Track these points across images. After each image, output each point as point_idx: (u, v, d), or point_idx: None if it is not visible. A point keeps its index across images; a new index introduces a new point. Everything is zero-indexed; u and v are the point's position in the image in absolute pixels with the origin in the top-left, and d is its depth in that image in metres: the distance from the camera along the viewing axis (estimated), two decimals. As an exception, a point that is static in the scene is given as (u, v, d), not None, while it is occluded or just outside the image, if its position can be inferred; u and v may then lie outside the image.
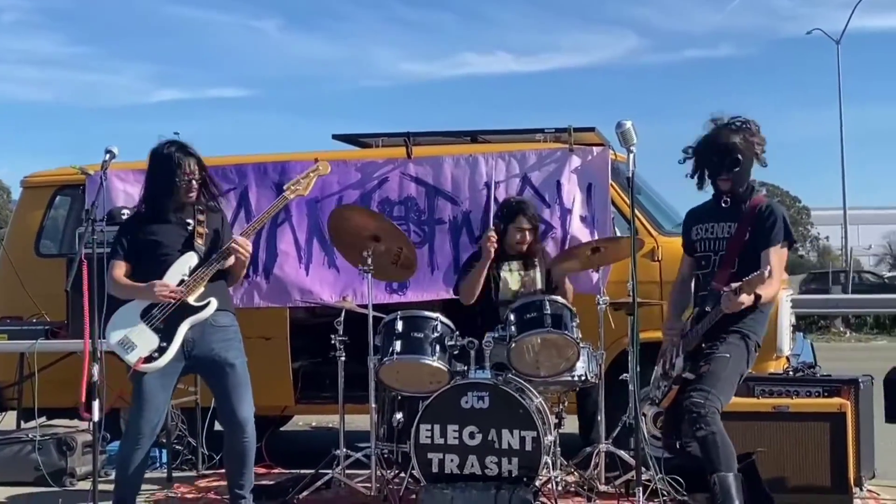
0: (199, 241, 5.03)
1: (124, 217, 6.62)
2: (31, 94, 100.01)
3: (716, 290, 4.86)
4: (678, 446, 4.93)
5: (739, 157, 4.90)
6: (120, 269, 5.03)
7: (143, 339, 4.92)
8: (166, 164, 5.02)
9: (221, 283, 5.10)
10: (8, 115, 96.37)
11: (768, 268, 4.61)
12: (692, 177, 5.07)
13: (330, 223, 6.17)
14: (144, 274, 4.98)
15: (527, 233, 5.98)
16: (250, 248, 5.08)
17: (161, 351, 4.91)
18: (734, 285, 4.65)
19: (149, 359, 4.91)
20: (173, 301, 4.90)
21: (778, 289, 4.99)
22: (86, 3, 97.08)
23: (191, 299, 4.95)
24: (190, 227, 5.04)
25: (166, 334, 4.92)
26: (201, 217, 5.08)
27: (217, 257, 5.00)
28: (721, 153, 4.92)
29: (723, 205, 5.00)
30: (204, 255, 5.02)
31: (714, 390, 4.73)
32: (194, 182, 5.04)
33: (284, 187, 5.29)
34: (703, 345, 4.87)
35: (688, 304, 5.20)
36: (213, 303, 4.98)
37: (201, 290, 4.97)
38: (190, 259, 5.00)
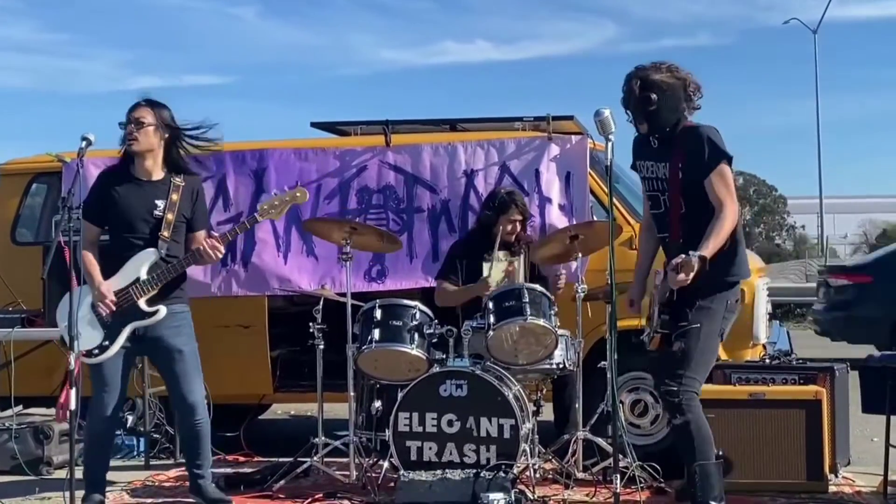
0: (164, 234, 5.00)
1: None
2: (7, 80, 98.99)
3: (673, 240, 4.77)
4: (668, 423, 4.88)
5: (652, 95, 4.74)
6: (90, 236, 5.05)
7: (88, 332, 4.95)
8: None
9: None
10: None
11: (697, 256, 4.38)
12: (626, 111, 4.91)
13: (305, 227, 6.22)
14: (109, 248, 5.03)
15: (517, 224, 6.01)
16: (221, 254, 5.07)
17: (101, 349, 4.99)
18: (675, 261, 4.46)
19: (88, 354, 4.96)
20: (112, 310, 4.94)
21: (734, 212, 4.68)
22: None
23: (141, 301, 4.98)
24: (159, 210, 5.02)
25: (110, 333, 4.99)
26: (175, 196, 5.04)
27: (178, 264, 5.02)
28: (635, 94, 4.78)
29: (654, 145, 4.86)
30: (167, 247, 5.00)
31: (688, 371, 4.66)
32: (136, 132, 5.01)
33: (258, 207, 5.24)
34: (676, 304, 4.74)
35: (656, 247, 5.08)
36: (162, 311, 5.00)
37: (154, 292, 5.00)
38: (149, 257, 5.01)
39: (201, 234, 5.16)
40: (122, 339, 4.99)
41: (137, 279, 4.99)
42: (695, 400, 4.69)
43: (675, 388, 4.65)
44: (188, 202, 5.11)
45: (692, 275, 4.44)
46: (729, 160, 4.75)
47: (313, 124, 7.39)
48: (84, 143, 5.06)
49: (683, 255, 4.44)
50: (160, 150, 5.10)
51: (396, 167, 6.72)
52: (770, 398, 5.44)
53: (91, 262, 5.03)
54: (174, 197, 5.05)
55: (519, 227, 6.05)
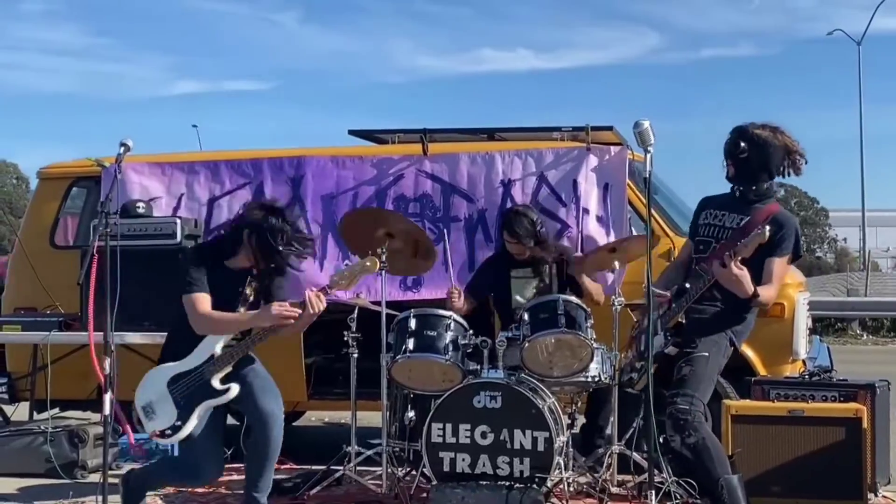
0: (241, 311, 4.87)
1: (139, 210, 6.64)
2: (51, 85, 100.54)
3: (700, 270, 4.91)
4: (662, 440, 4.85)
5: (745, 144, 4.91)
6: (205, 303, 4.81)
7: (164, 410, 4.86)
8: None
9: None
10: (28, 105, 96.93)
11: (766, 228, 4.63)
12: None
13: (341, 230, 6.17)
14: (184, 323, 4.86)
15: (514, 246, 5.98)
16: (322, 307, 4.82)
17: (174, 430, 4.85)
18: (728, 253, 4.68)
19: (163, 434, 4.88)
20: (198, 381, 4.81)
21: (774, 297, 5.01)
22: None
23: (214, 380, 4.85)
24: (240, 291, 4.89)
25: (184, 412, 4.84)
26: (259, 276, 4.92)
27: (250, 340, 4.87)
28: (733, 136, 4.97)
29: (736, 195, 5.02)
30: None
31: (697, 393, 4.82)
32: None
33: (330, 279, 5.03)
34: (684, 340, 4.92)
35: (675, 283, 5.14)
36: (234, 389, 4.85)
37: (227, 370, 4.87)
38: (223, 336, 4.87)
39: (276, 304, 4.87)
40: (193, 422, 4.83)
41: (212, 356, 4.86)
42: (703, 419, 4.84)
43: (687, 407, 4.78)
44: (265, 282, 4.98)
45: (735, 278, 4.65)
46: (795, 258, 5.03)
47: (351, 132, 7.41)
48: (122, 148, 5.09)
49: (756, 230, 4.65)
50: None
51: (433, 176, 6.71)
52: (809, 415, 5.35)
53: (227, 314, 4.83)
54: (257, 276, 4.94)
55: (519, 249, 5.98)
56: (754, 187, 4.98)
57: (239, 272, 4.92)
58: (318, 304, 4.78)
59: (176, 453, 5.68)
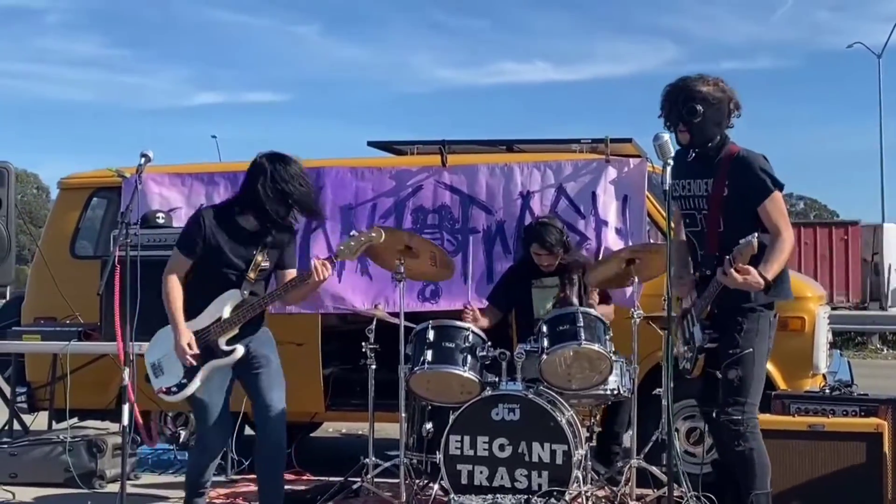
0: (251, 276, 4.98)
1: (159, 221, 6.67)
2: (72, 95, 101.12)
3: (710, 253, 4.76)
4: (714, 415, 4.80)
5: (699, 106, 4.70)
6: (180, 268, 5.01)
7: (171, 369, 5.00)
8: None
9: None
10: (49, 116, 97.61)
11: (755, 236, 4.40)
12: (662, 118, 4.85)
13: None
14: (198, 282, 5.00)
15: (543, 258, 5.97)
16: (329, 274, 4.99)
17: (180, 387, 4.99)
18: (728, 257, 4.48)
19: (168, 391, 5.01)
20: (192, 355, 4.91)
21: (791, 236, 4.71)
22: (126, 6, 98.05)
23: (221, 341, 4.97)
24: (252, 253, 4.99)
25: (189, 371, 4.97)
26: (270, 239, 5.00)
27: (258, 302, 4.99)
28: (682, 100, 4.73)
29: (688, 159, 4.81)
30: (251, 289, 4.99)
31: (749, 399, 4.68)
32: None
33: (336, 248, 5.17)
34: (720, 328, 4.73)
35: (688, 259, 5.00)
36: (239, 350, 4.98)
37: (234, 332, 4.99)
38: (233, 297, 4.99)
39: (292, 270, 5.13)
40: (199, 379, 4.97)
41: (220, 318, 4.97)
42: (757, 426, 4.70)
43: (739, 417, 4.65)
44: (277, 247, 5.07)
45: (748, 268, 4.45)
46: (781, 188, 4.75)
47: (370, 143, 7.41)
48: (143, 159, 5.13)
49: (742, 240, 4.41)
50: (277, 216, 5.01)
51: (452, 187, 6.71)
52: (830, 430, 5.32)
53: (174, 302, 4.96)
54: (268, 240, 5.02)
55: (548, 261, 6.01)
56: (710, 144, 4.78)
57: (252, 234, 5.00)
58: (324, 272, 4.93)
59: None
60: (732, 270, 4.46)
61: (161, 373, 5.03)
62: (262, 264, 5.01)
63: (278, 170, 4.95)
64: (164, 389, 5.01)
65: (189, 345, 4.90)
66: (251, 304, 4.98)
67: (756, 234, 4.44)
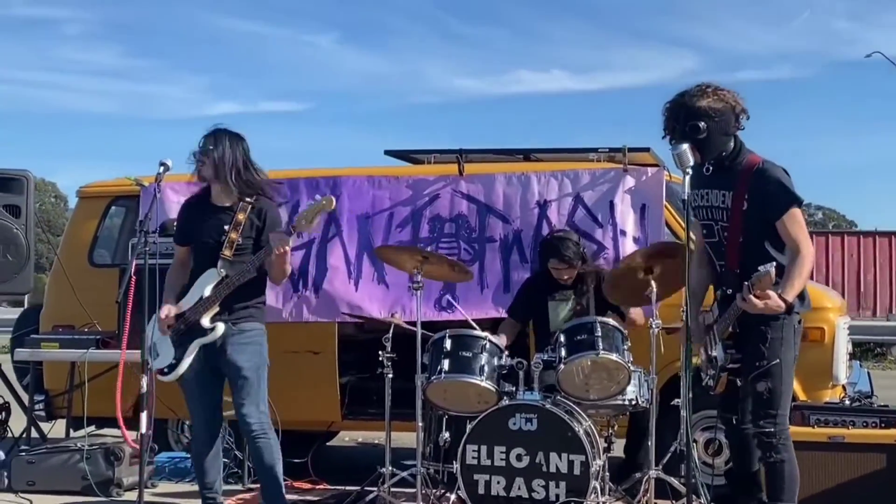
0: (226, 253, 5.10)
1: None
2: (90, 104, 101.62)
3: (729, 270, 4.69)
4: (734, 421, 4.77)
5: (701, 123, 4.59)
6: (176, 256, 5.34)
7: (165, 351, 5.17)
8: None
9: (252, 287, 5.16)
10: (68, 125, 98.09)
11: (771, 266, 4.29)
12: (667, 138, 4.76)
13: (376, 254, 6.21)
14: (193, 266, 5.26)
15: (563, 271, 5.97)
16: (287, 246, 5.06)
17: (171, 368, 5.15)
18: (753, 278, 4.36)
19: (162, 371, 5.17)
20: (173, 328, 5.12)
21: (812, 252, 4.61)
22: (145, 16, 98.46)
23: (204, 320, 5.06)
24: (225, 231, 5.12)
25: (179, 352, 5.12)
26: (241, 216, 5.13)
27: (233, 278, 5.08)
28: (683, 119, 4.62)
29: (706, 172, 4.72)
30: (230, 265, 5.10)
31: (780, 410, 4.61)
32: (199, 163, 5.16)
33: (294, 220, 5.19)
34: (744, 340, 4.66)
35: (709, 282, 4.94)
36: (220, 327, 5.07)
37: (216, 309, 5.08)
38: (212, 276, 5.10)
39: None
40: (189, 358, 5.10)
41: (201, 297, 5.09)
42: (789, 438, 4.64)
43: (772, 429, 4.59)
44: (254, 222, 5.15)
45: (768, 293, 4.36)
46: (800, 203, 4.67)
47: (387, 152, 7.40)
48: (162, 168, 5.17)
49: (759, 269, 4.32)
50: (229, 178, 5.13)
51: (469, 196, 6.70)
52: (850, 441, 5.30)
53: (169, 284, 5.22)
54: (240, 217, 5.13)
55: (568, 274, 6.00)
56: (724, 153, 4.70)
57: (224, 210, 5.17)
58: (281, 245, 4.98)
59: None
60: (751, 297, 4.39)
61: (157, 355, 5.16)
62: (237, 241, 5.11)
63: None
64: (159, 371, 5.16)
65: (167, 315, 5.08)
66: (227, 282, 5.08)
67: (773, 264, 4.34)
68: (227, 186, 5.14)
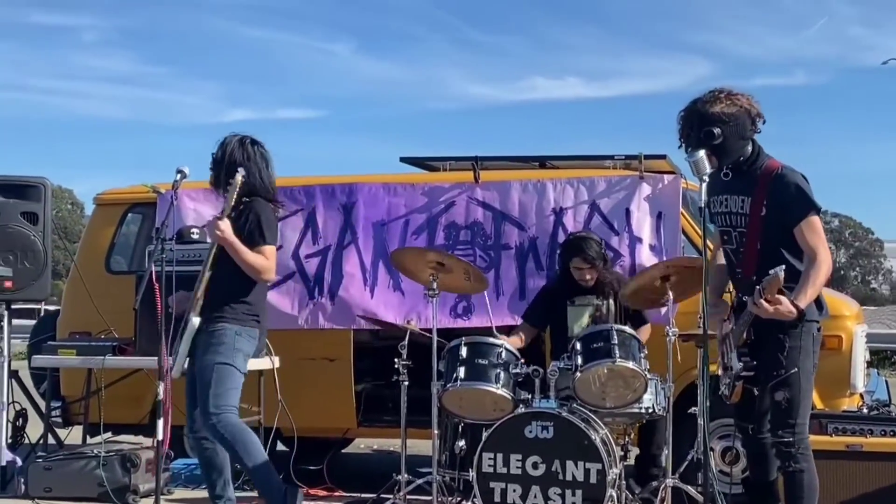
0: (213, 251, 5.24)
1: (194, 236, 6.72)
2: (107, 112, 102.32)
3: (746, 276, 4.65)
4: (750, 431, 4.77)
5: (715, 129, 4.54)
6: None
7: (175, 348, 5.29)
8: None
9: (229, 287, 5.23)
10: (85, 132, 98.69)
11: (781, 269, 4.27)
12: (682, 146, 4.72)
13: (391, 260, 6.20)
14: None
15: (585, 272, 5.94)
16: (224, 230, 5.14)
17: (173, 363, 5.26)
18: (763, 282, 4.34)
19: (171, 370, 5.27)
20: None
21: (829, 260, 4.55)
22: (161, 23, 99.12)
23: (193, 312, 5.17)
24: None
25: (175, 349, 5.25)
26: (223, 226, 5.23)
27: (202, 271, 5.23)
28: (697, 126, 4.58)
29: (724, 178, 4.68)
30: (216, 268, 5.25)
31: (799, 419, 4.56)
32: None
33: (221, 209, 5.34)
34: (762, 349, 4.62)
35: (726, 283, 4.91)
36: (193, 322, 5.18)
37: (200, 303, 5.20)
38: (203, 274, 5.25)
39: (257, 248, 5.25)
40: (181, 355, 5.22)
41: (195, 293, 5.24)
42: (809, 447, 4.60)
43: (791, 439, 4.55)
44: (240, 222, 5.22)
45: (779, 297, 4.34)
46: (818, 211, 4.63)
47: (402, 159, 7.42)
48: (179, 175, 5.19)
49: (770, 272, 4.30)
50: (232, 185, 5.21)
51: (485, 203, 6.70)
52: (868, 450, 5.26)
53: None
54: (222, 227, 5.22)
55: (590, 275, 5.98)
56: (741, 158, 4.66)
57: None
58: (215, 230, 5.16)
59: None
60: (762, 301, 4.36)
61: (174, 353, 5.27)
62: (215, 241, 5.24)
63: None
64: (167, 369, 5.23)
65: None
66: (199, 277, 5.23)
67: (783, 267, 4.31)
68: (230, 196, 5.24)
